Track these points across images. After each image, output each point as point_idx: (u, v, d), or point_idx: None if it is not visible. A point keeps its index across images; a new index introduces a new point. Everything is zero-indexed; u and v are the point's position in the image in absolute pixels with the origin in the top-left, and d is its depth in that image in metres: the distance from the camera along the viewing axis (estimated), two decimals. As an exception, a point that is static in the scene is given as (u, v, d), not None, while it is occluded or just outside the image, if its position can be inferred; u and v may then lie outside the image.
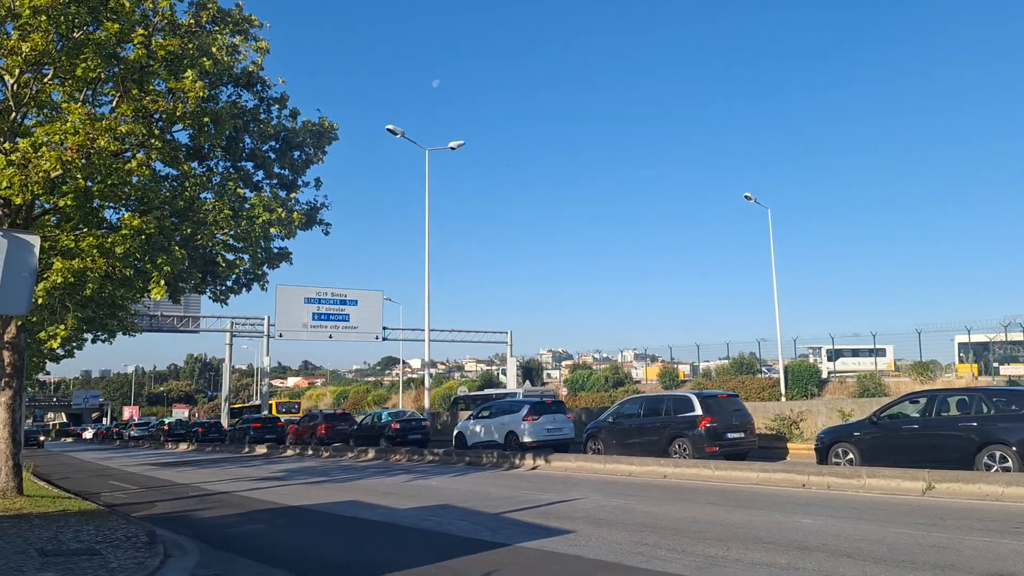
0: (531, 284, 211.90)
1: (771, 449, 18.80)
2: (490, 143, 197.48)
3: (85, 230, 12.95)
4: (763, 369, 48.88)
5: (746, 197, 43.53)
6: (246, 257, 14.76)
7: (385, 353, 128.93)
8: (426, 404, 35.54)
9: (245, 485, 18.40)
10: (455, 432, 26.21)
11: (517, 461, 20.07)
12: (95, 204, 13.08)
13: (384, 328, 57.91)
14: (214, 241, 14.31)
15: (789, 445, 19.30)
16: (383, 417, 31.19)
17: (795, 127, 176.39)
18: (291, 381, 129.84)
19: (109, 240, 12.30)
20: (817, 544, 8.26)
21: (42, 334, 12.68)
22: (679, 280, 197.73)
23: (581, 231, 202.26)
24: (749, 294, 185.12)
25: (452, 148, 35.71)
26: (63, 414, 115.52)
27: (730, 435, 17.36)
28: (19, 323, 13.63)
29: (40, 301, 11.85)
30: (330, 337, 55.67)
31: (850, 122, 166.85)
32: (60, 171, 11.07)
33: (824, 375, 44.50)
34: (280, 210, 13.96)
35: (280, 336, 52.98)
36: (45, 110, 13.23)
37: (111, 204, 13.69)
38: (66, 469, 28.47)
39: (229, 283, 16.39)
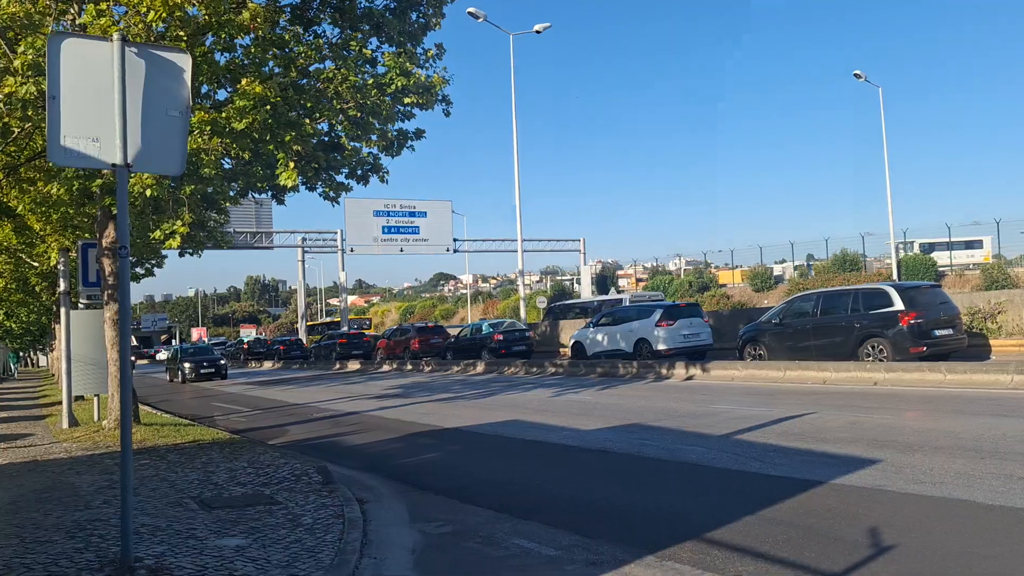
0: (600, 190, 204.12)
1: (969, 347, 16.05)
2: (568, 38, 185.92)
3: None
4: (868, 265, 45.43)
5: (855, 75, 39.81)
6: (374, 138, 12.18)
7: (437, 269, 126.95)
8: (522, 314, 33.44)
9: (368, 404, 16.50)
10: (572, 342, 23.99)
11: (664, 371, 17.77)
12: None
13: (454, 240, 55.67)
14: (336, 119, 11.76)
15: (992, 342, 16.53)
16: (484, 328, 29.14)
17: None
18: (348, 300, 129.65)
19: (223, 115, 9.87)
20: None
21: (157, 233, 10.44)
22: (749, 181, 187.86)
23: (653, 132, 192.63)
24: (834, 189, 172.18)
25: (537, 32, 32.41)
26: (133, 338, 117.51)
27: (937, 332, 14.61)
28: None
29: (149, 193, 9.57)
30: (401, 251, 53.64)
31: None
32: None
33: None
34: (419, 72, 11.31)
35: (352, 251, 51.17)
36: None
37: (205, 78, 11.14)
38: (159, 391, 27.25)
39: (342, 176, 13.94)
